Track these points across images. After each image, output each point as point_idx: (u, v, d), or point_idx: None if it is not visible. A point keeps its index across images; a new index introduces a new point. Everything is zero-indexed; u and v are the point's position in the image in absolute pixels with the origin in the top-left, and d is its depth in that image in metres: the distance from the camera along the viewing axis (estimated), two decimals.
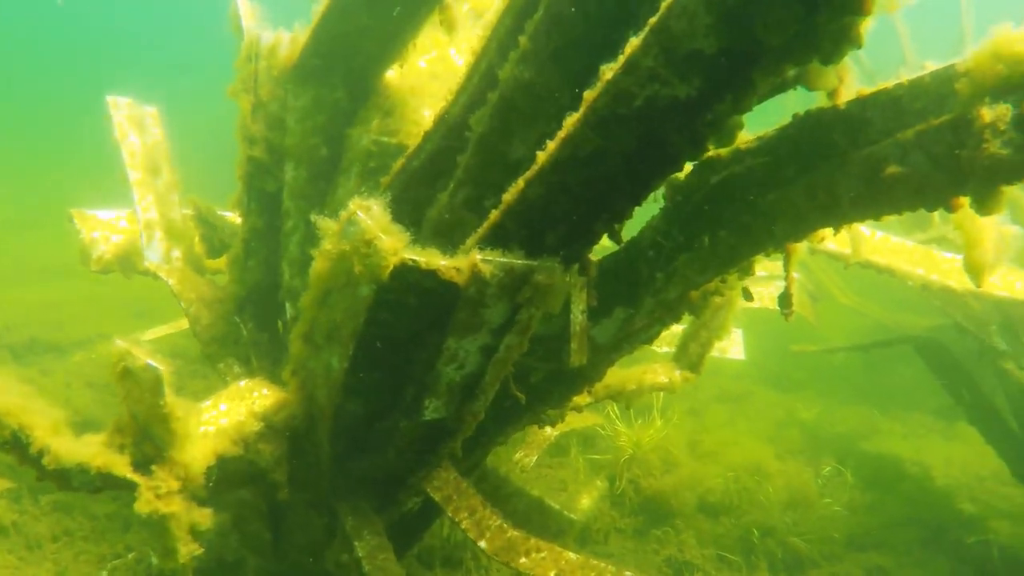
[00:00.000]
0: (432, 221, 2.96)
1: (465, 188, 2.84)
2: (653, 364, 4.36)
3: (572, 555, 3.13)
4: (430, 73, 3.94)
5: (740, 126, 2.14)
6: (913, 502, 6.36)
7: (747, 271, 3.54)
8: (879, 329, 10.36)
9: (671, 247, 3.25)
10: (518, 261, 2.23)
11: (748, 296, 4.34)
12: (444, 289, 2.37)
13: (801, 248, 3.31)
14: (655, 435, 6.10)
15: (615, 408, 6.20)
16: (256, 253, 3.92)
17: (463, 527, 3.17)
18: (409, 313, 2.63)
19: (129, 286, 5.38)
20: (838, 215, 2.85)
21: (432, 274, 2.27)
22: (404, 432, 2.85)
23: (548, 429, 5.16)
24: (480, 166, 2.77)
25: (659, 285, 3.34)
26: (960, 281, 4.73)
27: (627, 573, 3.05)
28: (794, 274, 6.78)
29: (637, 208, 2.71)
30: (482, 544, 3.15)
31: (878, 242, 4.77)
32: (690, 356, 4.41)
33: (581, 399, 4.03)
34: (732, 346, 7.58)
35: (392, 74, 3.77)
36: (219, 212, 4.74)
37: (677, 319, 3.70)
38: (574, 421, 5.53)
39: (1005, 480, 6.99)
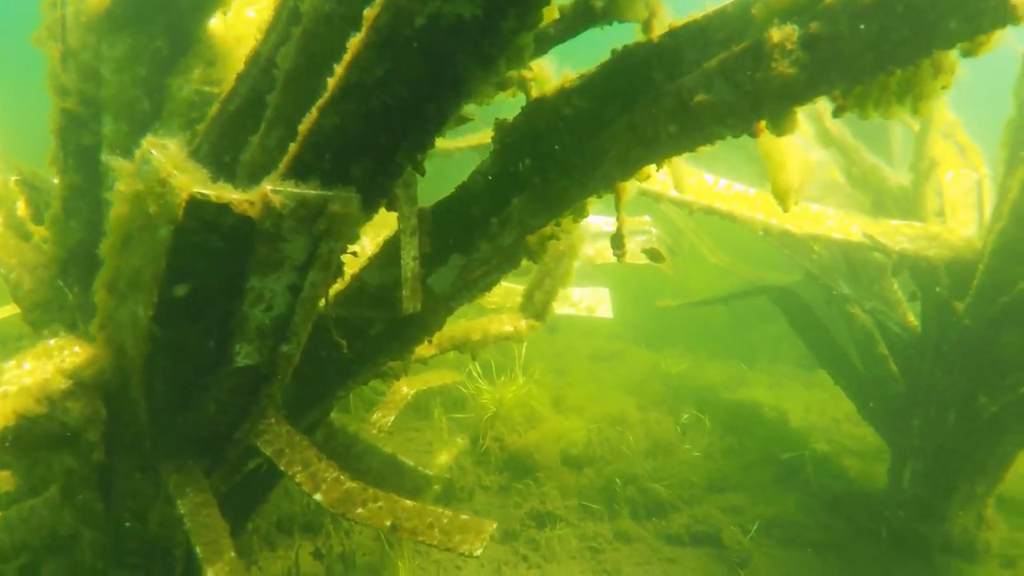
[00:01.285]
0: (246, 165, 2.85)
1: (277, 128, 2.75)
2: (498, 314, 4.36)
3: (409, 503, 3.09)
4: (259, 23, 3.79)
5: (529, 46, 2.11)
6: (769, 444, 6.60)
7: (581, 213, 3.56)
8: (747, 287, 10.63)
9: (503, 191, 3.23)
10: (312, 191, 2.16)
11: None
12: (245, 227, 2.28)
13: (630, 188, 3.34)
14: (518, 392, 6.13)
15: (477, 366, 6.20)
16: (77, 212, 3.72)
17: (297, 480, 3.09)
18: (217, 258, 2.52)
19: None
20: (659, 150, 2.89)
21: (225, 209, 2.17)
22: (220, 382, 2.75)
23: (405, 388, 5.11)
24: (290, 105, 2.67)
25: (494, 230, 3.32)
26: (799, 225, 4.88)
27: (463, 517, 3.04)
28: (653, 228, 6.87)
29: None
30: (318, 497, 3.08)
31: (720, 189, 4.87)
32: (535, 305, 4.42)
33: (424, 351, 4.00)
34: (600, 305, 7.68)
35: (216, 23, 3.62)
36: (45, 176, 4.49)
37: (515, 265, 3.69)
38: (432, 379, 5.51)
39: (858, 422, 7.31)
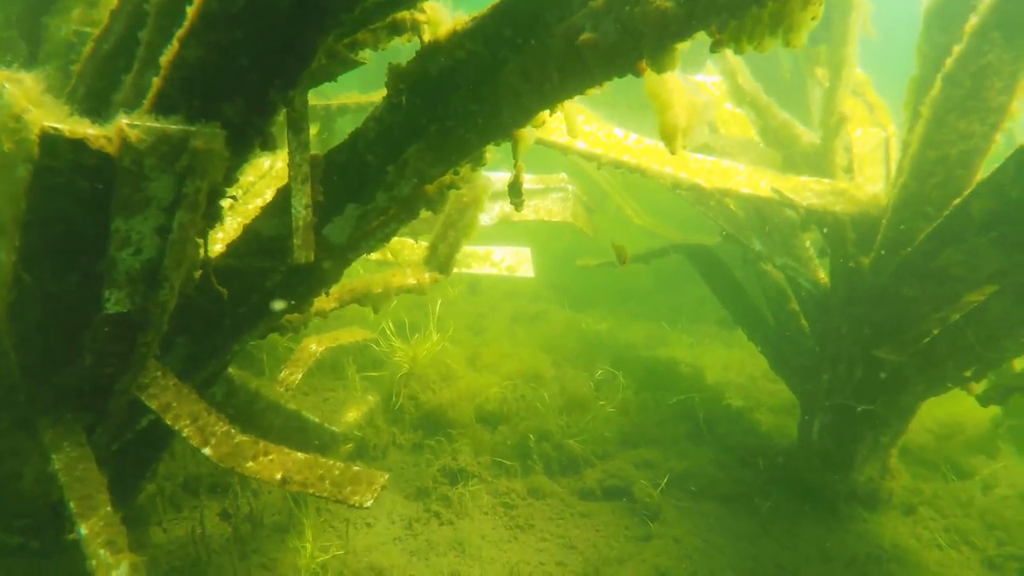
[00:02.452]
0: (120, 106, 2.73)
1: (151, 68, 2.63)
2: (401, 267, 4.29)
3: (300, 456, 3.04)
4: None
5: None
6: (684, 400, 6.66)
7: (479, 162, 3.51)
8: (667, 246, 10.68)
9: (398, 138, 3.16)
10: (172, 126, 2.06)
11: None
12: (108, 167, 2.17)
13: (528, 136, 3.29)
14: (432, 349, 6.08)
15: (390, 324, 6.13)
16: None
17: (185, 435, 3.00)
18: (85, 201, 2.41)
19: None
20: (551, 94, 2.85)
21: (81, 145, 2.07)
22: (94, 331, 2.64)
23: (313, 346, 5.03)
24: (162, 42, 2.55)
25: (391, 179, 3.26)
26: (708, 180, 4.90)
27: (355, 468, 3.00)
28: (569, 185, 6.83)
29: None
30: (207, 452, 3.00)
31: (631, 143, 4.85)
32: (439, 257, 4.37)
33: (324, 304, 3.92)
34: (521, 264, 7.66)
35: None
36: None
37: (415, 215, 3.63)
38: (343, 337, 5.43)
39: (774, 379, 7.44)
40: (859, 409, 5.52)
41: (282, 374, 4.88)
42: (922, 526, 5.53)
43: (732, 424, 6.49)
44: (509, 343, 7.40)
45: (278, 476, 2.99)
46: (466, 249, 7.56)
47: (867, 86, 6.13)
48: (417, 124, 3.10)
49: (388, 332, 6.07)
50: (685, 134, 2.63)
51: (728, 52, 6.46)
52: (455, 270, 7.64)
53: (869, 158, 5.71)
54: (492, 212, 6.59)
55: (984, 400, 4.50)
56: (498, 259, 7.74)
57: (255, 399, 4.26)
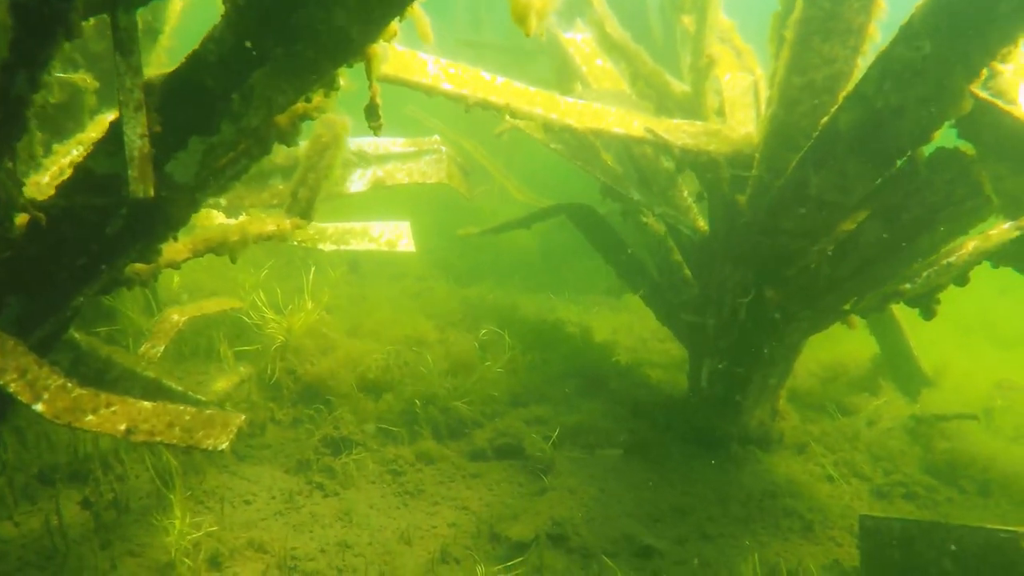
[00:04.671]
0: None
1: None
2: (259, 214, 4.02)
3: (147, 404, 2.77)
4: None
5: None
6: (573, 359, 6.57)
7: (332, 86, 3.29)
8: (555, 224, 10.52)
9: (242, 62, 2.91)
10: None
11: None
12: None
13: (380, 53, 3.09)
14: (308, 319, 5.80)
15: (262, 295, 5.82)
16: None
17: (12, 391, 2.70)
18: None
19: None
20: None
21: None
22: None
23: (175, 316, 4.70)
24: None
25: (237, 108, 3.01)
26: (580, 120, 4.78)
27: (208, 412, 2.75)
28: (443, 147, 6.61)
29: None
30: (38, 408, 2.71)
31: (500, 85, 4.69)
32: (300, 202, 4.13)
33: (176, 254, 3.63)
34: (400, 239, 7.43)
35: None
36: None
37: (267, 150, 3.39)
38: (208, 306, 5.12)
39: (662, 338, 7.44)
40: (746, 352, 5.51)
41: (143, 347, 4.53)
42: (813, 462, 5.58)
43: (622, 379, 6.42)
44: (391, 310, 7.14)
45: (122, 427, 2.73)
46: (343, 225, 7.30)
47: (733, 32, 6.15)
48: (262, 46, 2.86)
49: (260, 304, 5.75)
50: (539, 15, 2.47)
51: (596, 2, 6.39)
52: (331, 247, 7.38)
53: (739, 102, 5.71)
54: (365, 177, 6.34)
55: (863, 310, 4.52)
56: (376, 234, 7.48)
57: (108, 367, 3.92)
